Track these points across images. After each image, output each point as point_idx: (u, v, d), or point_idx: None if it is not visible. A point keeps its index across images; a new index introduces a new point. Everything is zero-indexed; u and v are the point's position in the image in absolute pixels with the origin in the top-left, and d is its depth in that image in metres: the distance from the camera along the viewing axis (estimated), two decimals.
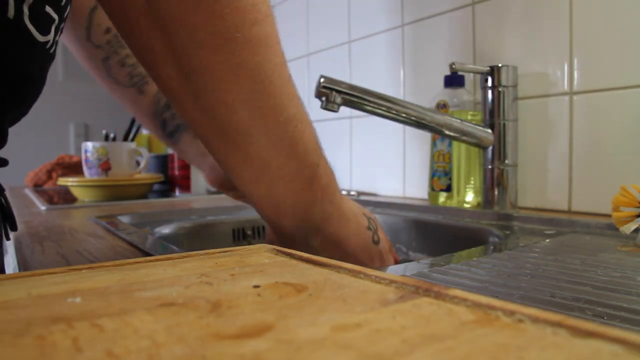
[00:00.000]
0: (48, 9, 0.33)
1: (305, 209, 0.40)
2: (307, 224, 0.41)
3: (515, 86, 0.73)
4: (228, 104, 0.34)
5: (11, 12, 0.30)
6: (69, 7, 0.37)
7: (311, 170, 0.39)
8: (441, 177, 0.80)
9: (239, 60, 0.33)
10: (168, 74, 0.33)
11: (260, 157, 0.37)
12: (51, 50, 0.36)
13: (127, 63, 0.56)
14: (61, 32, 0.37)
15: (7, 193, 0.43)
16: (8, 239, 0.46)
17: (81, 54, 0.57)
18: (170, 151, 1.18)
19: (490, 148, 0.72)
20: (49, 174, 1.40)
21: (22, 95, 0.37)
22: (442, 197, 0.80)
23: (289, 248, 0.41)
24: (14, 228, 0.45)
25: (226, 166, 0.39)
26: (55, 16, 0.34)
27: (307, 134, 0.38)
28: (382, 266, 0.45)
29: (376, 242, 0.45)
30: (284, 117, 0.36)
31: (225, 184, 0.56)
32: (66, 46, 0.59)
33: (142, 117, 0.58)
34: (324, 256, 0.39)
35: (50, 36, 0.35)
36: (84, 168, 1.09)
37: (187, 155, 0.59)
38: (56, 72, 2.41)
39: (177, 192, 1.15)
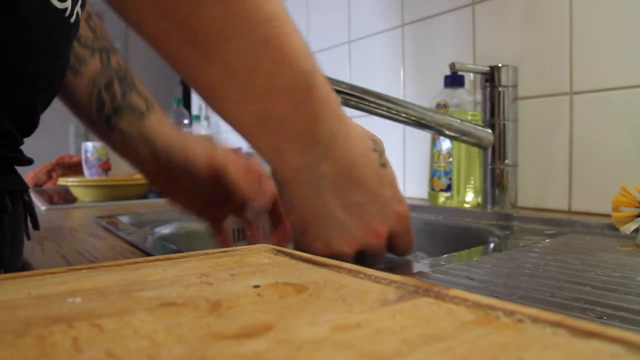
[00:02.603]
0: None
1: (308, 127, 0.34)
2: (314, 148, 0.35)
3: (515, 86, 0.73)
4: (194, 4, 0.29)
5: None
6: None
7: (307, 78, 0.33)
8: (441, 177, 0.80)
9: None
10: None
11: (243, 65, 0.31)
12: (71, 20, 0.37)
13: None
14: (82, 5, 0.38)
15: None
16: (29, 238, 0.45)
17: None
18: None
19: (490, 148, 0.72)
20: (49, 174, 1.40)
21: (49, 66, 0.37)
22: (442, 197, 0.80)
23: (292, 199, 0.36)
24: (36, 227, 0.44)
25: (205, 84, 0.33)
26: None
27: (295, 37, 0.32)
28: (395, 195, 0.39)
29: (383, 165, 0.39)
30: (263, 15, 0.31)
31: (167, 181, 0.50)
32: None
33: (75, 103, 0.52)
34: (332, 189, 0.35)
35: (68, 3, 0.35)
36: (84, 168, 1.09)
37: (127, 144, 0.51)
38: None
39: None
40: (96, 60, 0.52)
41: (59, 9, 0.35)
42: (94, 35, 0.53)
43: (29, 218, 0.44)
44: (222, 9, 0.30)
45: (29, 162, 0.40)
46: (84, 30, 0.52)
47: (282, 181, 0.37)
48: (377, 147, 0.40)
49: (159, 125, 0.50)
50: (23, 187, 0.41)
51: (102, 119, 0.50)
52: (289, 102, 0.33)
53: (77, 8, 0.37)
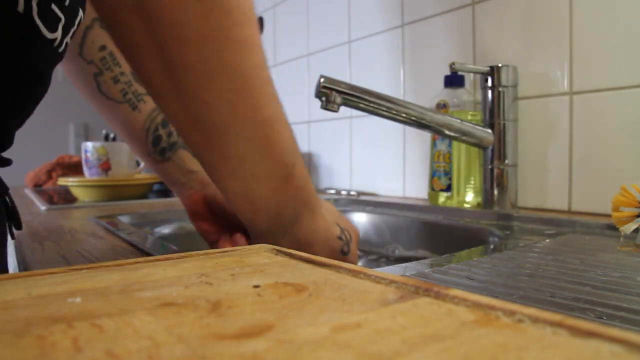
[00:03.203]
0: (54, 6, 0.34)
1: (278, 208, 0.41)
2: (279, 224, 0.42)
3: (515, 86, 0.73)
4: (207, 102, 0.35)
5: (21, 6, 0.32)
6: (79, 13, 0.38)
7: (286, 170, 0.40)
8: (441, 177, 0.80)
9: (220, 58, 0.34)
10: (152, 69, 0.35)
11: (237, 154, 0.38)
12: (60, 50, 0.37)
13: (120, 80, 0.56)
14: (71, 35, 0.38)
15: None
16: (13, 237, 0.46)
17: (69, 67, 0.58)
18: None
19: (490, 148, 0.72)
20: (49, 174, 1.40)
21: (29, 94, 0.37)
22: (442, 197, 0.80)
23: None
24: (19, 227, 0.45)
25: (203, 160, 0.40)
26: (62, 15, 0.35)
27: (284, 135, 0.39)
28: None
29: (344, 253, 0.46)
30: (261, 117, 0.37)
31: (203, 212, 0.56)
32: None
33: (129, 133, 0.58)
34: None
35: (58, 34, 0.36)
36: (84, 168, 1.09)
37: (177, 174, 0.58)
38: (56, 72, 2.39)
39: None
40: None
41: (49, 39, 0.35)
42: None
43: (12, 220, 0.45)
44: (230, 110, 0.36)
45: (6, 162, 0.40)
46: None
47: (252, 234, 0.45)
48: (344, 236, 0.46)
49: None
50: (2, 189, 0.41)
51: (157, 151, 0.57)
52: (267, 186, 0.40)
53: (67, 39, 0.38)
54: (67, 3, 0.36)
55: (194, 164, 0.56)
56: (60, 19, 0.35)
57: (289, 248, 0.41)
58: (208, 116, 0.36)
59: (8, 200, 0.43)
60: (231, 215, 0.52)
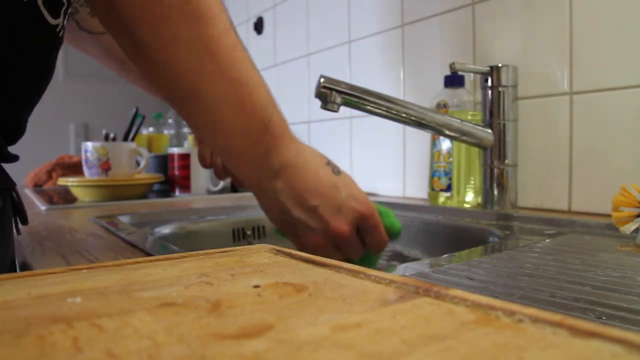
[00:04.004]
0: None
1: (261, 158, 0.44)
2: (266, 171, 0.45)
3: (515, 86, 0.73)
4: (175, 73, 0.40)
5: None
6: None
7: (262, 125, 0.43)
8: (441, 177, 0.80)
9: (174, 35, 0.38)
10: (124, 45, 0.40)
11: (212, 115, 0.42)
12: (60, 34, 0.38)
13: None
14: (68, 17, 0.40)
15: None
16: (19, 233, 0.47)
17: None
18: (170, 151, 1.18)
19: (490, 148, 0.72)
20: (49, 174, 1.40)
21: (33, 83, 0.38)
22: (442, 197, 0.80)
23: (257, 196, 0.47)
24: (24, 222, 0.45)
25: (189, 123, 0.45)
26: (65, 1, 0.37)
27: (255, 94, 0.42)
28: (352, 195, 0.47)
29: (337, 172, 0.48)
30: (228, 80, 0.41)
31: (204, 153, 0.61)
32: (66, 44, 0.59)
33: (121, 62, 0.62)
34: (290, 199, 0.45)
35: (60, 20, 0.37)
36: (84, 168, 1.09)
37: None
38: (56, 72, 2.39)
39: (177, 192, 1.15)
40: None
41: (52, 25, 0.36)
42: None
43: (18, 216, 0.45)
44: (197, 77, 0.40)
45: (13, 158, 0.40)
46: None
47: (251, 191, 0.48)
48: (330, 162, 0.49)
49: None
50: (8, 184, 0.41)
51: None
52: (246, 141, 0.43)
53: (65, 22, 0.39)
54: None
55: None
56: (63, 4, 0.37)
57: (285, 190, 0.45)
58: (178, 84, 0.41)
59: (15, 195, 0.43)
60: None
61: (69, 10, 0.39)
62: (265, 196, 0.46)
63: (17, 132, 0.40)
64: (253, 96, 0.42)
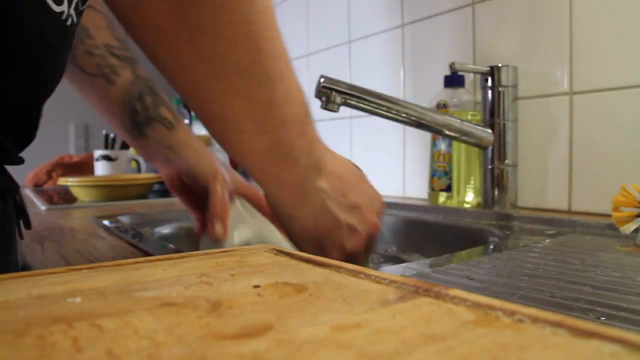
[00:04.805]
0: None
1: (309, 150, 0.40)
2: (314, 167, 0.40)
3: (515, 86, 0.73)
4: (228, 39, 0.32)
5: None
6: None
7: (306, 107, 0.39)
8: (441, 177, 0.80)
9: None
10: (157, 10, 0.32)
11: (263, 100, 0.35)
12: (68, 22, 0.36)
13: (94, 53, 0.56)
14: (76, 7, 0.37)
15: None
16: (22, 237, 0.45)
17: None
18: None
19: (490, 148, 0.72)
20: (49, 174, 1.40)
21: (44, 71, 0.36)
22: (442, 197, 0.80)
23: (287, 213, 0.42)
24: (28, 226, 0.45)
25: (224, 119, 0.37)
26: None
27: (294, 72, 0.38)
28: (371, 185, 0.46)
29: (355, 165, 0.47)
30: (277, 53, 0.36)
31: (180, 185, 0.57)
32: None
33: (106, 109, 0.57)
34: (333, 201, 0.41)
35: (64, 7, 0.35)
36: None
37: (154, 150, 0.57)
38: None
39: None
40: (128, 71, 0.57)
41: (57, 12, 0.35)
42: (121, 45, 0.58)
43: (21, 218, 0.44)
44: (248, 47, 0.33)
45: (19, 161, 0.40)
46: (110, 40, 0.57)
47: (286, 214, 0.42)
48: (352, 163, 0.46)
49: (187, 138, 0.57)
50: (12, 186, 0.41)
51: (135, 127, 0.56)
52: (296, 130, 0.38)
53: (72, 11, 0.37)
54: None
55: (171, 139, 0.56)
56: None
57: (329, 190, 0.41)
58: (228, 59, 0.33)
59: (18, 199, 0.43)
60: (201, 191, 0.53)
61: (75, 1, 0.37)
62: (310, 207, 0.41)
63: (29, 133, 0.38)
64: (294, 76, 0.39)
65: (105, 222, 0.69)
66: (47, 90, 0.39)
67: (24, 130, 0.39)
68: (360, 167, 0.47)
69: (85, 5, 0.39)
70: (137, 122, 0.56)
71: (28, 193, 1.23)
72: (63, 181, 1.09)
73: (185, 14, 0.32)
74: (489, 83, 0.72)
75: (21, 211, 0.44)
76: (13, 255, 0.42)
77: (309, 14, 1.27)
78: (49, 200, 1.05)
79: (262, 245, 0.32)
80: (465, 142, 0.71)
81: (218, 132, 0.38)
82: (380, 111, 0.63)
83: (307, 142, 0.40)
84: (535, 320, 0.16)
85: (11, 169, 0.41)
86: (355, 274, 0.23)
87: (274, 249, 0.31)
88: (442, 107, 0.79)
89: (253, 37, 0.34)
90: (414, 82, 0.96)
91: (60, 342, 0.15)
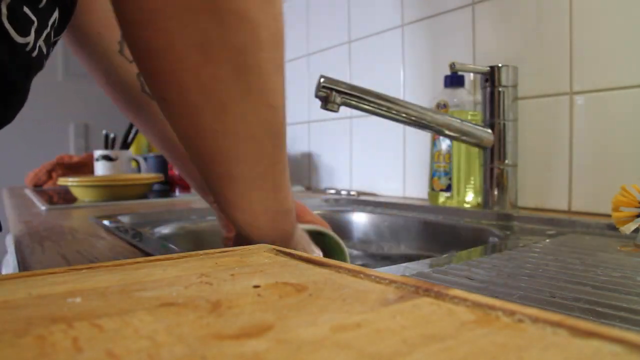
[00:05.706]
0: (26, 9, 0.33)
1: (288, 211, 0.43)
2: (289, 226, 0.44)
3: (515, 86, 0.73)
4: (273, 105, 0.37)
5: None
6: (54, 14, 0.36)
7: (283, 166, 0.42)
8: (441, 177, 0.80)
9: (281, 60, 0.35)
10: (213, 75, 0.32)
11: (252, 135, 0.38)
12: (33, 54, 0.35)
13: None
14: (47, 38, 0.36)
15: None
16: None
17: (106, 70, 0.55)
18: None
19: (490, 148, 0.72)
20: (49, 174, 1.40)
21: (3, 103, 0.35)
22: (442, 197, 0.80)
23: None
24: None
25: (220, 151, 0.38)
26: (34, 18, 0.34)
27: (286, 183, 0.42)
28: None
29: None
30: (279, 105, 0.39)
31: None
32: (67, 47, 0.58)
33: (121, 82, 0.56)
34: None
35: (30, 39, 0.34)
36: None
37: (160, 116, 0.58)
38: (56, 72, 2.40)
39: (177, 192, 1.15)
40: None
41: (20, 43, 0.33)
42: None
43: None
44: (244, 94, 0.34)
45: None
46: None
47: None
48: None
49: None
50: None
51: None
52: (278, 197, 0.41)
53: (40, 42, 0.36)
54: (42, 5, 0.34)
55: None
56: (32, 22, 0.34)
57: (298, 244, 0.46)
58: (272, 121, 0.38)
59: None
60: None
61: (45, 32, 0.35)
62: (294, 239, 0.46)
63: None
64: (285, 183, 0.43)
65: (105, 222, 0.69)
66: (6, 117, 0.37)
67: None
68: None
69: (59, 37, 0.37)
70: None
71: (28, 193, 1.23)
72: (63, 181, 1.09)
73: (243, 78, 0.34)
74: (489, 83, 0.72)
75: None
76: None
77: (309, 14, 1.27)
78: (49, 200, 1.05)
79: (262, 245, 0.32)
80: (465, 142, 0.71)
81: (211, 167, 0.39)
82: (380, 111, 0.63)
83: (285, 207, 0.43)
84: (535, 320, 0.16)
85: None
86: (355, 274, 0.23)
87: (274, 249, 0.31)
88: (442, 107, 0.79)
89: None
90: (414, 82, 0.96)
91: (60, 342, 0.15)
